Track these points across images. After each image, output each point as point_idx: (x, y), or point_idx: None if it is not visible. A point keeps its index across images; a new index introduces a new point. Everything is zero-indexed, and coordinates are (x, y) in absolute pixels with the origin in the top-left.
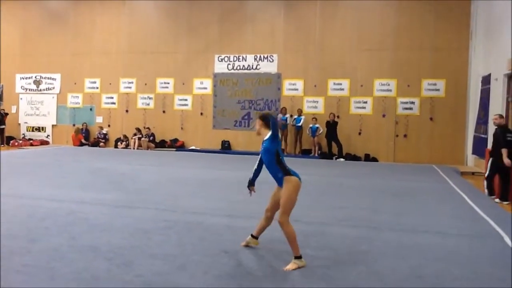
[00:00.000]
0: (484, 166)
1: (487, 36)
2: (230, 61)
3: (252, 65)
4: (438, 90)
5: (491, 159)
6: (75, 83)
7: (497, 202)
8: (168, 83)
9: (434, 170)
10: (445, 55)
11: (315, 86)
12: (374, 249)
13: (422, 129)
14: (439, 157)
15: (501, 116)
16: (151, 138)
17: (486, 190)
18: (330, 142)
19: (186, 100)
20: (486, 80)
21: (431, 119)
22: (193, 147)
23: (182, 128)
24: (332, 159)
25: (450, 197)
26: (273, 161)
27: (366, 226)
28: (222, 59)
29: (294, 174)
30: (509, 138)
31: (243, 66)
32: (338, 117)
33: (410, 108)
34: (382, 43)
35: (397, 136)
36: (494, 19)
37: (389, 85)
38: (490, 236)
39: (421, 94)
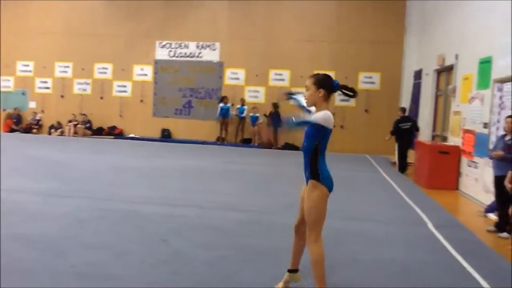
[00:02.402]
0: (413, 156)
1: (421, 32)
2: (172, 48)
3: (194, 53)
4: (373, 83)
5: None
6: (6, 66)
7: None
8: (107, 68)
9: (368, 160)
10: (381, 49)
11: (256, 75)
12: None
13: (358, 120)
14: (374, 148)
15: (401, 109)
16: (87, 125)
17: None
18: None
19: (125, 86)
20: (418, 74)
21: (366, 111)
22: (132, 135)
23: (120, 115)
24: (271, 148)
25: (381, 185)
26: (309, 151)
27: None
28: (163, 46)
29: (325, 180)
30: (404, 127)
31: (185, 53)
32: (278, 107)
33: (347, 100)
34: (322, 35)
35: (334, 126)
36: (427, 15)
37: None
38: (416, 222)
39: (358, 86)
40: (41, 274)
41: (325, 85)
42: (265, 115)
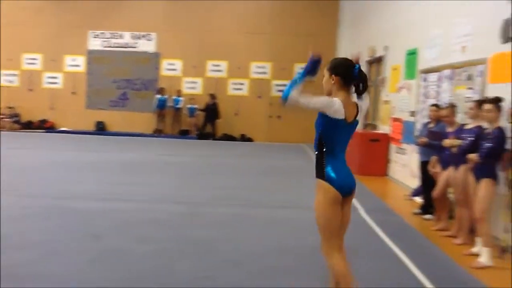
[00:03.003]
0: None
1: (353, 24)
2: (106, 38)
3: (129, 43)
4: None
5: None
6: None
7: None
8: (36, 59)
9: (303, 149)
10: (316, 41)
11: (194, 66)
12: (244, 225)
13: (294, 110)
14: (309, 137)
15: None
16: (15, 118)
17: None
18: (206, 123)
19: (56, 78)
20: None
21: None
22: (64, 128)
23: (51, 108)
24: (209, 139)
25: (313, 173)
26: (316, 144)
27: (238, 205)
28: (97, 36)
29: (332, 179)
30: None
31: (120, 44)
32: (214, 97)
33: (284, 90)
34: (259, 27)
35: (271, 117)
36: (359, 9)
37: (265, 68)
38: None
39: (294, 77)
40: None
41: (340, 71)
42: (201, 110)
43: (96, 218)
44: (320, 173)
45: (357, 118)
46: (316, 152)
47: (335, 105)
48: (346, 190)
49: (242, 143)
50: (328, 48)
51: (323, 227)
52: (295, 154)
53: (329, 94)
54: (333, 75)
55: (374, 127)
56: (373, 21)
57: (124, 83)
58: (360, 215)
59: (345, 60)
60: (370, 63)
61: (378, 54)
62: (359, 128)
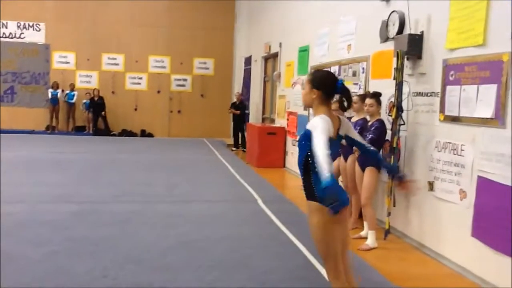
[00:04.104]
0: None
1: (249, 20)
2: None
3: (15, 33)
4: (208, 68)
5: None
6: None
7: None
8: None
9: (205, 143)
10: (213, 36)
11: (88, 60)
12: (145, 222)
13: (194, 105)
14: (210, 131)
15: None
16: None
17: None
18: (95, 119)
19: None
20: (248, 61)
21: (202, 95)
22: None
23: None
24: (107, 135)
25: (217, 167)
26: (302, 164)
27: (139, 201)
28: None
29: (323, 198)
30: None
31: (4, 34)
32: (113, 92)
33: (183, 85)
34: (156, 20)
35: (171, 112)
36: (254, 5)
37: (163, 62)
38: (248, 200)
39: (193, 72)
40: None
41: (323, 85)
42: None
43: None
44: (311, 194)
45: (340, 133)
46: (303, 174)
47: (327, 127)
48: (337, 208)
49: (143, 139)
50: (226, 43)
51: (326, 251)
52: (197, 148)
53: (309, 106)
54: (314, 89)
55: (272, 120)
56: (268, 18)
57: (11, 76)
58: (259, 205)
59: (328, 73)
60: (266, 59)
61: (273, 51)
62: (256, 122)
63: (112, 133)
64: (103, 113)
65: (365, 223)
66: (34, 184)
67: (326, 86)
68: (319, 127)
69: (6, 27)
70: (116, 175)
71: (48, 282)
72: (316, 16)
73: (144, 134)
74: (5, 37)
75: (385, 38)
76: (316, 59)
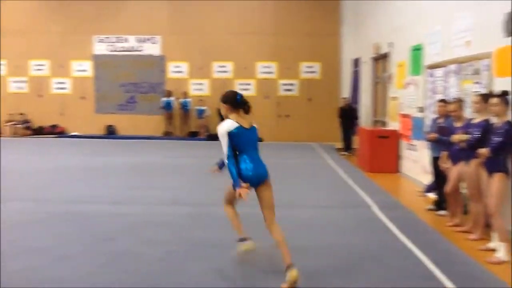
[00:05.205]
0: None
1: (356, 23)
2: (111, 43)
3: (135, 47)
4: (314, 72)
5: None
6: None
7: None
8: (44, 65)
9: (313, 148)
10: (319, 41)
11: (199, 68)
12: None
13: (301, 109)
14: (318, 135)
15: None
16: (27, 124)
17: None
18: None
19: (64, 83)
20: (356, 62)
21: (309, 99)
22: (75, 133)
23: (61, 114)
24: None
25: (325, 171)
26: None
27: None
28: (101, 40)
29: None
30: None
31: (125, 47)
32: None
33: (291, 90)
34: (262, 28)
35: (279, 116)
36: (362, 6)
37: (270, 67)
38: (360, 205)
39: (300, 76)
40: None
41: (228, 101)
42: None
43: (108, 221)
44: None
45: (253, 125)
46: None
47: (226, 125)
48: (259, 179)
49: None
50: (332, 45)
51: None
52: (305, 153)
53: (226, 117)
54: (224, 104)
55: (383, 123)
56: (376, 19)
57: (132, 87)
58: (373, 211)
59: (231, 92)
60: (376, 60)
61: (383, 51)
62: (367, 124)
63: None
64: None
65: (494, 234)
66: (152, 187)
67: (231, 100)
68: (219, 132)
69: (127, 42)
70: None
71: (166, 281)
72: (427, 14)
73: None
74: (126, 51)
75: (509, 32)
76: (430, 58)
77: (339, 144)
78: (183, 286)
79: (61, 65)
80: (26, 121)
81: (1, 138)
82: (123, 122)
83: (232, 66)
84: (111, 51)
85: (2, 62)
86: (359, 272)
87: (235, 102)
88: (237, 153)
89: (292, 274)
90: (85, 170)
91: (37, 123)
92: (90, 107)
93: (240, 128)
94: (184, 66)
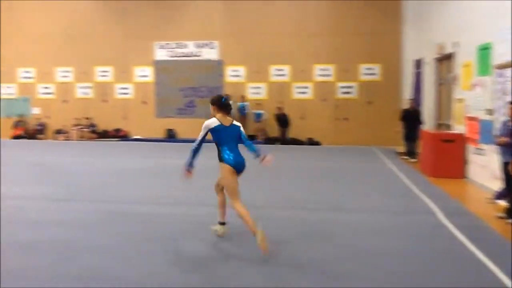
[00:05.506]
0: (419, 145)
1: (418, 21)
2: (170, 48)
3: (193, 52)
4: (374, 74)
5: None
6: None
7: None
8: (107, 71)
9: (373, 151)
10: (379, 41)
11: (257, 72)
12: (323, 229)
13: (361, 112)
14: (378, 139)
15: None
16: (92, 128)
17: None
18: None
19: (127, 88)
20: (418, 64)
21: (369, 102)
22: (137, 137)
23: (124, 118)
24: (276, 144)
25: (386, 176)
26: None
27: (302, 208)
28: (162, 46)
29: (227, 160)
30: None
31: (184, 53)
32: (281, 109)
33: (349, 92)
34: (320, 29)
35: (337, 119)
36: (424, 6)
37: (328, 70)
38: (423, 212)
39: (359, 78)
40: (46, 280)
41: (215, 103)
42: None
43: (173, 222)
44: (220, 159)
45: (234, 123)
46: (217, 148)
47: (208, 122)
48: (240, 166)
49: (309, 147)
50: (393, 46)
51: (227, 188)
52: (365, 157)
53: (213, 116)
54: (211, 105)
55: (448, 127)
56: (440, 17)
57: (190, 91)
58: (437, 218)
59: (218, 95)
60: (439, 60)
61: (447, 51)
62: (431, 128)
63: (281, 141)
64: (287, 128)
65: None
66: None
67: (216, 103)
68: (203, 127)
69: (186, 47)
70: (281, 182)
71: (228, 283)
72: (496, 11)
73: (311, 142)
74: (185, 56)
75: None
76: (500, 57)
77: (401, 148)
78: (245, 287)
79: (124, 71)
80: (92, 125)
81: (69, 141)
82: (183, 126)
83: (289, 69)
84: (171, 56)
85: (68, 69)
86: (428, 280)
87: (221, 104)
88: (220, 145)
89: (260, 235)
90: (150, 172)
91: (102, 127)
92: (150, 111)
93: (220, 126)
94: (241, 70)
